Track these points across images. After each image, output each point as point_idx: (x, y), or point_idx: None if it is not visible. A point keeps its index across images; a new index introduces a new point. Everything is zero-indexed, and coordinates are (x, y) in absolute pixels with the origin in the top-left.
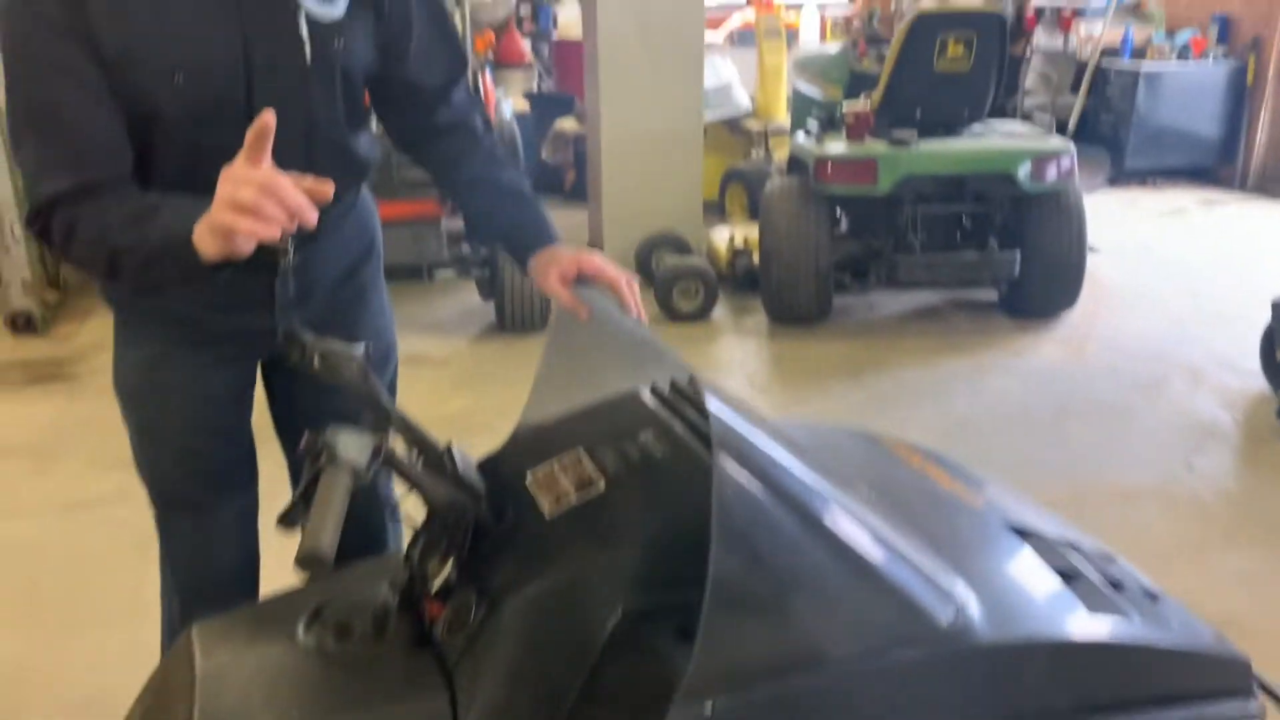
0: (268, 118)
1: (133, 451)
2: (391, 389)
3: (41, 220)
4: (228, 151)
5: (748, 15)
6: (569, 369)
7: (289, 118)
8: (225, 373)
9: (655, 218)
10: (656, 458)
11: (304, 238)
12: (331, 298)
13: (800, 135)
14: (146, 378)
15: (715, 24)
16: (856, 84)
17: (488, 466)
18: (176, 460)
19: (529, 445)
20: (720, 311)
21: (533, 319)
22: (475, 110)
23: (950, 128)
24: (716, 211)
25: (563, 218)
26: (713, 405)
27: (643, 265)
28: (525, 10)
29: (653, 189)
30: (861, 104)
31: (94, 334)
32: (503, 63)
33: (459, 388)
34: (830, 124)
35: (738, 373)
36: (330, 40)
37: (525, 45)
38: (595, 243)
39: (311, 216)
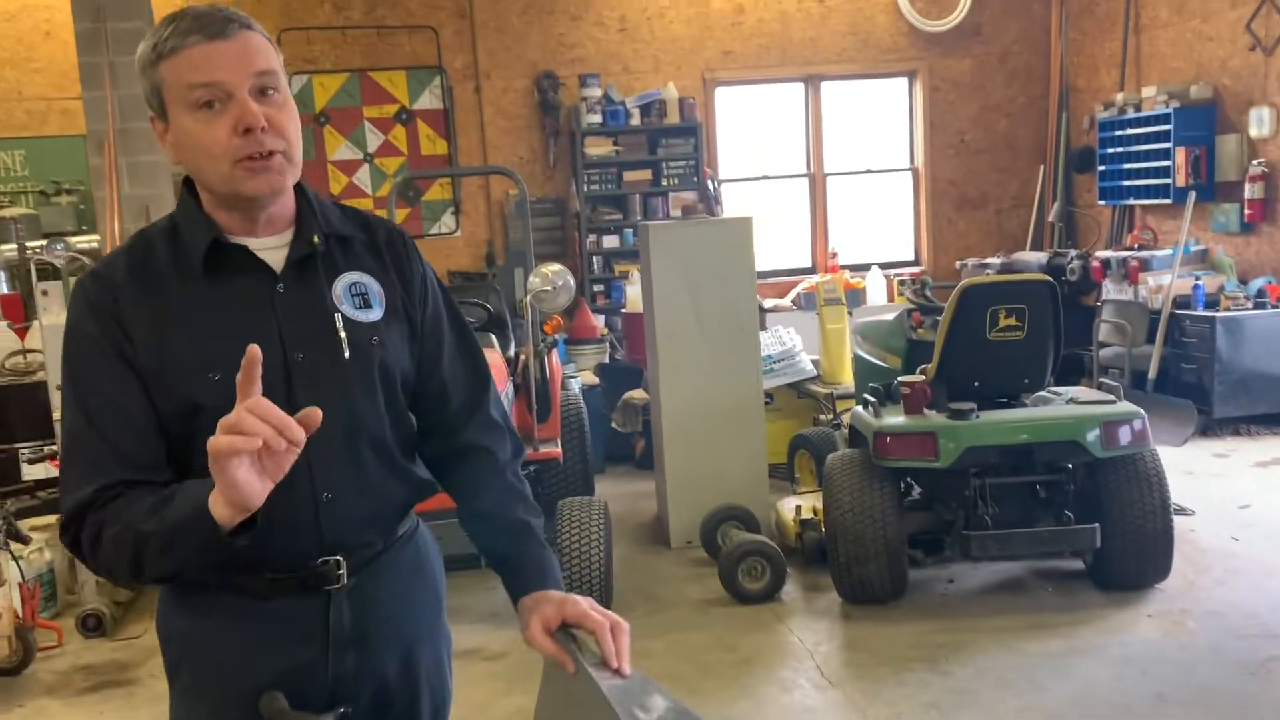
0: (253, 350)
1: None
2: None
3: (72, 530)
4: None
5: (814, 280)
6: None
7: (330, 413)
8: None
9: (719, 490)
10: None
11: (357, 563)
12: (388, 640)
13: (860, 407)
14: None
15: (784, 290)
16: (915, 352)
17: None
18: None
19: None
20: (791, 589)
21: (593, 598)
22: (500, 435)
23: (1013, 396)
24: (789, 476)
25: (634, 485)
26: None
27: (708, 542)
28: (600, 286)
29: (715, 461)
30: (918, 375)
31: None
32: (576, 339)
33: (514, 684)
34: (888, 395)
35: (806, 662)
36: (368, 338)
37: (598, 320)
38: (661, 515)
39: (297, 432)
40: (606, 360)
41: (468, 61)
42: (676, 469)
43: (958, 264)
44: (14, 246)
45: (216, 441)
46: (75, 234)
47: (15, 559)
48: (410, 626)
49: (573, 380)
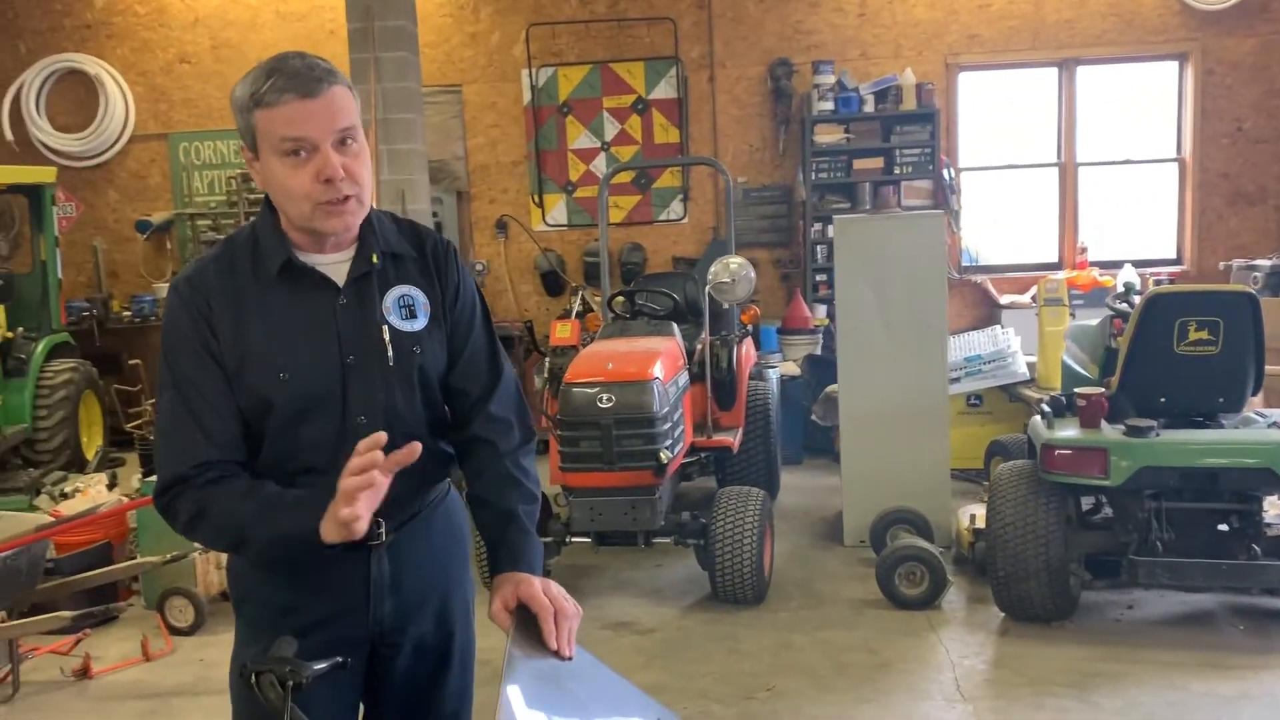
0: (381, 435)
1: None
2: (465, 690)
3: (166, 499)
4: (321, 444)
5: (1059, 275)
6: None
7: (373, 409)
8: (329, 681)
9: (896, 492)
10: None
11: (395, 524)
12: (422, 586)
13: (1037, 416)
14: None
15: (1025, 286)
16: (1112, 361)
17: None
18: None
19: None
20: (954, 598)
21: (744, 592)
22: (503, 428)
23: (1209, 415)
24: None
25: (827, 479)
26: None
27: (877, 543)
28: (823, 276)
29: (893, 462)
30: (1098, 387)
31: None
32: (788, 328)
33: (656, 660)
34: (1067, 406)
35: (946, 674)
36: (410, 346)
37: (819, 310)
38: (842, 512)
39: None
40: (819, 352)
41: (703, 51)
42: (854, 467)
43: (1221, 265)
44: None
45: (345, 484)
46: None
47: None
48: (442, 578)
49: (771, 370)
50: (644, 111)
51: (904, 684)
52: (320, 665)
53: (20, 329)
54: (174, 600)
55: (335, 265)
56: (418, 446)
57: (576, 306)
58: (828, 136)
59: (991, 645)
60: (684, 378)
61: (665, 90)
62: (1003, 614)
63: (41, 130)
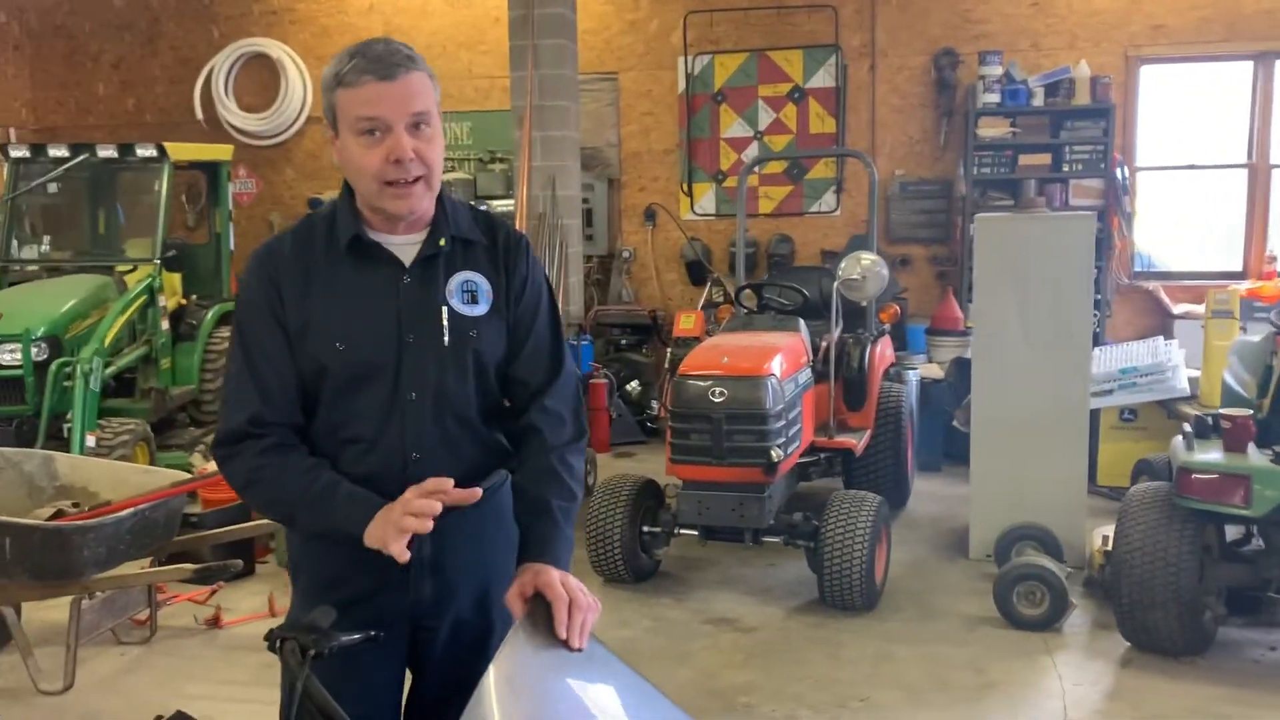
0: (447, 481)
1: None
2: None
3: (223, 451)
4: (371, 415)
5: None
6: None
7: (424, 386)
8: (375, 652)
9: (1026, 507)
10: None
11: (440, 514)
12: (463, 571)
13: (1179, 436)
14: None
15: (1203, 295)
16: (1271, 381)
17: None
18: None
19: None
20: (1077, 622)
21: (853, 598)
22: (555, 422)
23: None
24: None
25: (963, 488)
26: None
27: (1002, 559)
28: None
29: (1025, 476)
30: (1250, 408)
31: None
32: (936, 329)
33: (753, 658)
34: (1213, 428)
35: (1054, 701)
36: (467, 329)
37: (965, 312)
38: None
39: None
40: (968, 354)
41: (865, 40)
42: (983, 477)
43: None
44: None
45: (403, 522)
46: (503, 198)
47: None
48: (486, 567)
49: (910, 372)
50: (800, 100)
51: (1005, 707)
52: (348, 637)
53: (194, 296)
54: None
55: (406, 246)
56: (478, 492)
57: (712, 297)
58: (992, 130)
59: (1110, 675)
60: (805, 375)
61: (823, 79)
62: (1127, 643)
63: (228, 110)
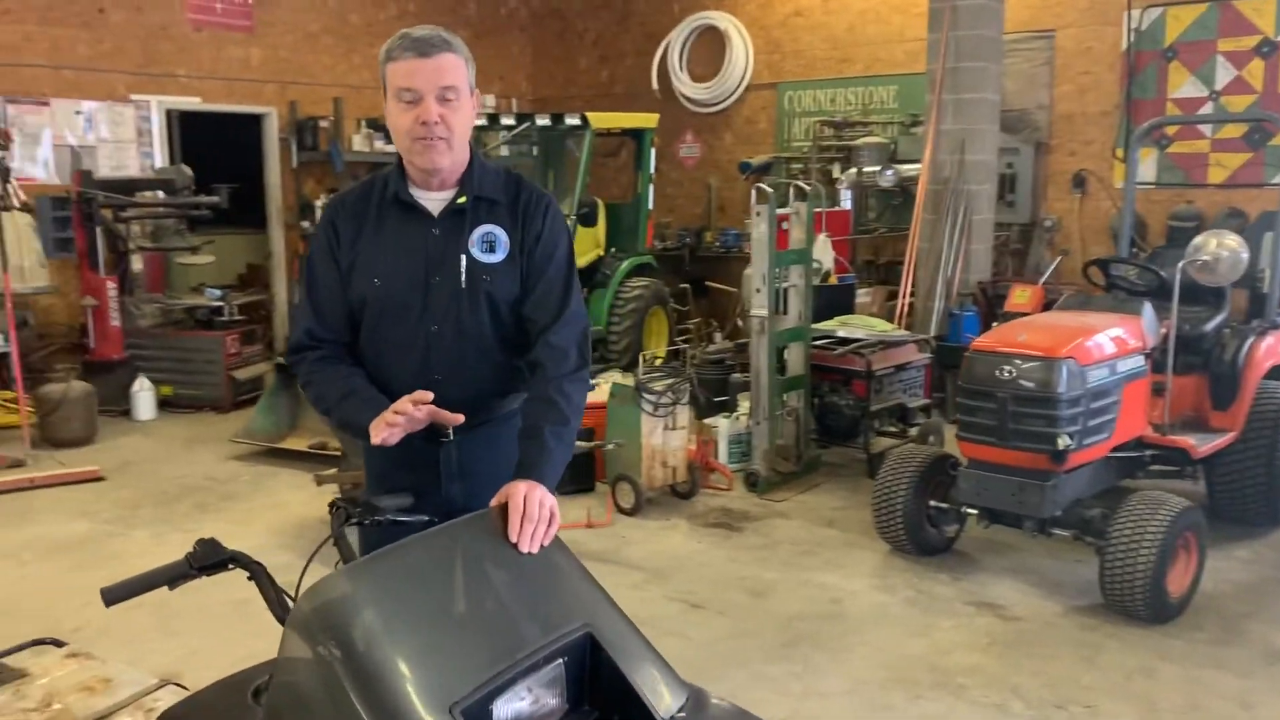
0: (426, 394)
1: None
2: None
3: (291, 359)
4: (401, 343)
5: None
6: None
7: (446, 320)
8: None
9: None
10: None
11: (463, 428)
12: (487, 478)
13: None
14: None
15: None
16: None
17: None
18: None
19: None
20: None
21: (1134, 606)
22: (558, 355)
23: None
24: None
25: None
26: None
27: None
28: None
29: None
30: None
31: (795, 509)
32: None
33: (996, 644)
34: None
35: None
36: (481, 274)
37: None
38: None
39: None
40: None
41: None
42: None
43: None
44: (856, 171)
45: (384, 432)
46: (916, 162)
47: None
48: (505, 475)
49: None
50: (1269, 55)
51: None
52: (395, 516)
53: (614, 249)
54: (621, 485)
55: (437, 201)
56: (460, 417)
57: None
58: None
59: None
60: (1132, 362)
61: None
62: None
63: (681, 81)
